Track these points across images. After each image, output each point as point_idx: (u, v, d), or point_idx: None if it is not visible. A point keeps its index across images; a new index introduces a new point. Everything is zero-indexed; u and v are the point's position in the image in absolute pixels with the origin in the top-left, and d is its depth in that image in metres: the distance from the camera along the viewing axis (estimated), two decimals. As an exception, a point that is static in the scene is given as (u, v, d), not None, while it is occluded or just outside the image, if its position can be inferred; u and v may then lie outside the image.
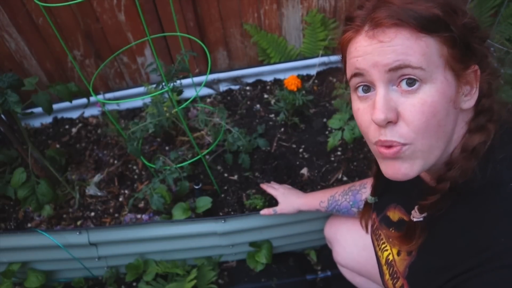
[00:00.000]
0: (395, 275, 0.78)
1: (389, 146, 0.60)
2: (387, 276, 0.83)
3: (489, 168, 0.61)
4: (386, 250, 0.84)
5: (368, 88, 0.62)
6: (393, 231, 0.82)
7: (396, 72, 0.58)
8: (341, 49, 0.68)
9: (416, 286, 0.72)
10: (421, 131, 0.58)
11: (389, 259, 0.82)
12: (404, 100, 0.58)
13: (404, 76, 0.58)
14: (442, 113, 0.58)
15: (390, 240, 0.82)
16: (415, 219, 0.69)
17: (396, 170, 0.61)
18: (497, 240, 0.55)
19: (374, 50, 0.58)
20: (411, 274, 0.74)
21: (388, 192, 0.91)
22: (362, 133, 0.67)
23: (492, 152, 0.62)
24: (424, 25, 0.57)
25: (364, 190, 1.11)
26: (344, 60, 0.68)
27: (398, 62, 0.57)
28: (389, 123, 0.59)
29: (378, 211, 0.92)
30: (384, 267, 0.84)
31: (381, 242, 0.87)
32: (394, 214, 0.85)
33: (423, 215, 0.67)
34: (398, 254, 0.79)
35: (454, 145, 0.65)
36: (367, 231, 0.99)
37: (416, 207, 0.69)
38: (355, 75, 0.63)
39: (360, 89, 0.64)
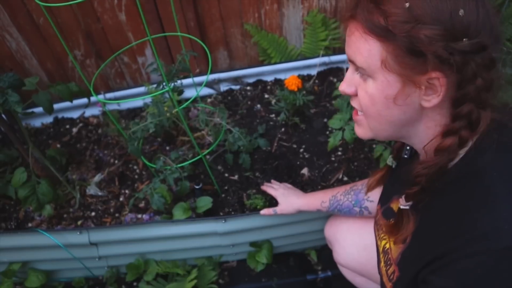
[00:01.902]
0: (388, 262, 0.82)
1: (355, 111, 0.77)
2: (382, 263, 0.86)
3: (476, 157, 0.64)
4: (384, 239, 0.87)
5: None
6: (383, 222, 0.85)
7: (352, 63, 0.70)
8: None
9: (404, 272, 0.75)
10: (364, 111, 0.73)
11: (385, 247, 0.85)
12: (360, 82, 0.71)
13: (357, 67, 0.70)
14: (380, 105, 0.68)
15: (382, 231, 0.86)
16: (402, 206, 0.74)
17: (356, 130, 0.79)
18: (473, 227, 0.59)
19: (346, 40, 0.71)
20: (402, 260, 0.77)
21: (392, 184, 0.92)
22: None
23: (481, 142, 0.65)
24: (371, 29, 0.63)
25: (370, 193, 1.09)
26: None
27: (351, 57, 0.69)
28: (350, 95, 0.75)
29: (382, 203, 0.92)
30: (381, 255, 0.87)
31: (381, 232, 0.90)
32: (396, 206, 0.86)
33: (409, 203, 0.72)
34: (395, 242, 0.81)
35: (427, 135, 0.70)
36: (367, 192, 1.01)
37: (403, 196, 0.73)
38: None
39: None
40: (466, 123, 0.64)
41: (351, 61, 0.70)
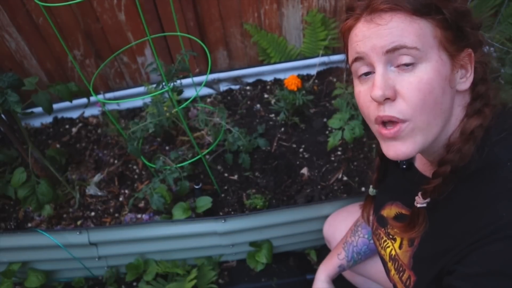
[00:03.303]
0: (400, 268, 0.80)
1: (389, 124, 0.64)
2: (392, 272, 0.84)
3: (486, 150, 0.64)
4: (388, 246, 0.85)
5: (369, 72, 0.66)
6: (396, 224, 0.83)
7: (393, 53, 0.61)
8: (343, 37, 0.72)
9: (421, 274, 0.74)
10: (418, 108, 0.61)
11: (392, 254, 0.83)
12: (401, 79, 0.62)
13: (401, 56, 0.61)
14: (438, 90, 0.61)
15: (395, 231, 0.82)
16: (419, 205, 0.71)
17: (397, 150, 0.64)
18: (499, 215, 0.58)
19: (372, 34, 0.63)
20: (416, 263, 0.75)
21: (383, 192, 0.92)
22: (363, 115, 0.70)
23: (489, 134, 0.65)
24: (417, 9, 0.60)
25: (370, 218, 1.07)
26: (346, 48, 0.72)
27: (394, 44, 0.61)
28: (387, 100, 0.62)
29: (375, 212, 0.93)
30: (389, 264, 0.85)
31: (382, 241, 0.88)
32: (391, 211, 0.86)
33: (426, 200, 0.70)
34: (400, 247, 0.80)
35: (453, 128, 0.67)
36: (368, 224, 0.98)
37: (420, 193, 0.71)
38: (356, 59, 0.67)
39: (361, 72, 0.67)
40: (485, 102, 0.66)
41: (390, 50, 0.61)
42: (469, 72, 0.65)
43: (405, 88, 0.61)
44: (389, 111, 0.62)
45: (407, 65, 0.61)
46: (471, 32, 0.64)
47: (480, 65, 0.66)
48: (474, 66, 0.65)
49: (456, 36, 0.63)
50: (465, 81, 0.65)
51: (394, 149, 0.64)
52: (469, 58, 0.64)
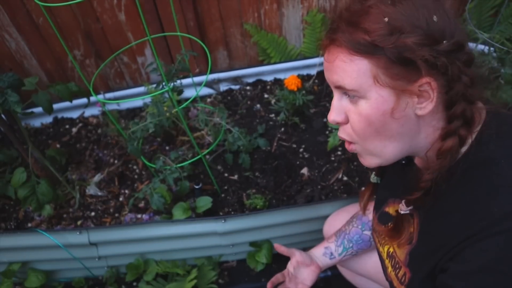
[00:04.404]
0: (397, 265, 0.81)
1: (347, 142, 0.74)
2: (389, 269, 0.84)
3: (479, 149, 0.65)
4: (387, 244, 0.86)
5: None
6: (382, 228, 0.84)
7: (340, 88, 0.68)
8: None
9: (416, 271, 0.75)
10: (361, 136, 0.70)
11: (390, 251, 0.84)
12: (350, 107, 0.69)
13: (345, 92, 0.69)
14: (377, 123, 0.66)
15: (382, 236, 0.85)
16: (402, 212, 0.74)
17: (362, 161, 0.76)
18: (491, 211, 0.59)
19: (326, 67, 0.70)
20: (411, 260, 0.76)
21: (384, 188, 0.92)
22: None
23: (482, 134, 0.66)
24: (356, 48, 0.63)
25: (367, 211, 1.05)
26: None
27: (338, 83, 0.68)
28: (340, 123, 0.72)
29: (377, 209, 0.92)
30: (386, 261, 0.86)
31: (381, 238, 0.89)
32: (394, 208, 0.86)
33: (409, 207, 0.73)
34: (398, 245, 0.81)
35: (427, 142, 0.70)
36: (363, 213, 0.98)
37: (403, 201, 0.73)
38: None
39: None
40: (462, 122, 0.65)
41: (337, 87, 0.68)
42: (430, 98, 0.64)
43: (351, 117, 0.69)
44: (340, 133, 0.74)
45: (352, 98, 0.68)
46: (430, 60, 0.61)
47: (450, 88, 0.64)
48: (438, 92, 0.63)
49: (404, 70, 0.62)
50: (424, 107, 0.65)
51: (360, 159, 0.76)
52: (428, 86, 0.63)
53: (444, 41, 0.62)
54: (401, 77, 0.63)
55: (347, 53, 0.64)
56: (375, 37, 0.62)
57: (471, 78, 0.64)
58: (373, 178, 0.94)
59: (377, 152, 0.71)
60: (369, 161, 0.74)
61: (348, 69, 0.65)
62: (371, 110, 0.66)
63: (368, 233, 1.09)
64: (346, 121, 0.71)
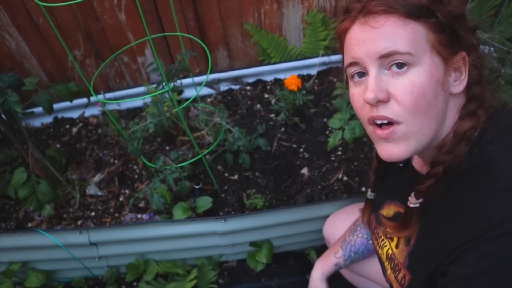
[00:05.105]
0: (396, 268, 0.81)
1: (383, 126, 0.65)
2: (389, 271, 0.84)
3: (480, 149, 0.64)
4: (385, 246, 0.86)
5: (363, 74, 0.67)
6: (390, 223, 0.84)
7: (386, 58, 0.62)
8: (339, 39, 0.72)
9: (416, 273, 0.74)
10: (411, 111, 0.62)
11: (389, 253, 0.84)
12: (395, 82, 0.63)
13: (394, 61, 0.62)
14: (430, 93, 0.62)
15: (388, 231, 0.83)
16: (412, 205, 0.72)
17: (390, 152, 0.66)
18: (491, 214, 0.58)
19: (366, 38, 0.63)
20: (411, 262, 0.76)
21: (382, 190, 0.93)
22: (358, 117, 0.71)
23: (483, 134, 0.65)
24: (411, 12, 0.61)
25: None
26: (342, 49, 0.73)
27: (387, 49, 0.62)
28: (380, 102, 0.63)
29: (374, 211, 0.93)
30: (386, 263, 0.86)
31: (380, 240, 0.89)
32: (389, 210, 0.86)
33: (419, 200, 0.71)
34: (397, 246, 0.81)
35: (447, 130, 0.68)
36: (369, 229, 0.98)
37: (412, 193, 0.71)
38: (351, 64, 0.68)
39: (356, 75, 0.69)
40: (479, 104, 0.66)
41: (384, 55, 0.62)
42: (463, 75, 0.66)
43: (399, 91, 0.62)
44: (382, 111, 0.63)
45: (400, 68, 0.62)
46: (465, 35, 0.64)
47: (474, 67, 0.66)
48: (469, 69, 0.65)
49: (450, 39, 0.63)
50: (459, 84, 0.65)
51: (387, 151, 0.66)
52: (463, 61, 0.65)
53: (468, 19, 0.64)
54: (448, 46, 0.63)
55: (400, 17, 0.61)
56: (430, 1, 0.62)
57: (482, 60, 0.67)
58: (370, 195, 0.95)
59: (420, 134, 0.64)
60: (402, 148, 0.64)
61: (401, 32, 0.61)
62: (426, 77, 0.61)
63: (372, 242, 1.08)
64: (388, 98, 0.63)
